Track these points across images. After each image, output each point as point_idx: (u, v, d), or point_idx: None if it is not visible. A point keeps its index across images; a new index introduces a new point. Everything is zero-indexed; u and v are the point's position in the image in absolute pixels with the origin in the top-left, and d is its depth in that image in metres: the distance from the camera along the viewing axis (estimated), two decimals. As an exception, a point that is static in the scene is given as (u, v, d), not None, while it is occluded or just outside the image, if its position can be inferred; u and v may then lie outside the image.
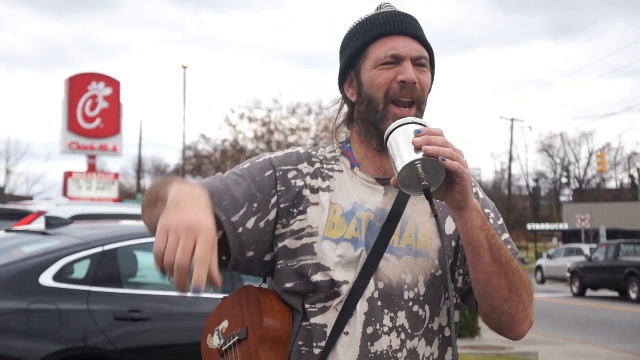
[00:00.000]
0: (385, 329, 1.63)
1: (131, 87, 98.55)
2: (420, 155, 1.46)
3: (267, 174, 1.69)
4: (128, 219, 7.51)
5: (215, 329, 1.75)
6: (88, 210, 8.07)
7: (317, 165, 1.73)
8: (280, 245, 1.67)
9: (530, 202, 68.65)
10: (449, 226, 1.73)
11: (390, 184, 1.54)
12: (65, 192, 23.61)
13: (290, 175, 1.70)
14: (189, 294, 1.30)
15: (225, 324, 1.73)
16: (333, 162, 1.75)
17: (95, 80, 25.27)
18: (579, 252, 30.33)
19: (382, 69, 1.68)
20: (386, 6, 1.78)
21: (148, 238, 5.18)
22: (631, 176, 64.76)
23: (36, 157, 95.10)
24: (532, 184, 68.79)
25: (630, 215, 46.19)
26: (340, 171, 1.73)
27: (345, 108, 1.80)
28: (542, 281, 31.56)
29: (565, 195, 70.18)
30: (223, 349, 1.70)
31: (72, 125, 24.65)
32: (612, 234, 39.25)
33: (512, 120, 54.41)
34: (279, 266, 1.68)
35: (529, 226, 52.78)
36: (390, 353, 1.62)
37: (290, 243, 1.66)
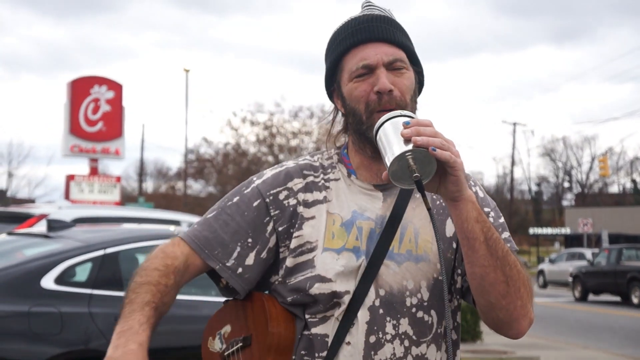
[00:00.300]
0: (388, 336, 1.62)
1: (134, 90, 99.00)
2: (410, 146, 1.43)
3: (256, 204, 1.69)
4: (130, 222, 7.52)
5: (217, 333, 1.74)
6: (90, 214, 8.06)
7: (311, 177, 1.71)
8: (283, 266, 1.67)
9: (533, 206, 68.53)
10: (450, 228, 1.72)
11: (388, 189, 1.52)
12: (67, 195, 23.66)
13: (281, 196, 1.69)
14: None
15: (227, 328, 1.72)
16: (330, 170, 1.74)
17: (97, 83, 25.35)
18: (581, 256, 30.26)
19: (357, 82, 1.67)
20: (366, 6, 1.75)
21: (150, 241, 5.18)
22: (634, 181, 64.66)
23: (38, 160, 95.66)
24: (534, 188, 68.73)
25: (632, 220, 46.14)
26: (337, 179, 1.72)
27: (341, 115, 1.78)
28: (545, 286, 31.46)
29: (568, 199, 70.15)
30: (225, 354, 1.69)
31: (75, 129, 24.70)
32: (614, 238, 39.21)
33: (514, 124, 54.50)
34: (277, 282, 1.68)
35: (531, 230, 52.73)
36: None
37: (290, 262, 1.66)
